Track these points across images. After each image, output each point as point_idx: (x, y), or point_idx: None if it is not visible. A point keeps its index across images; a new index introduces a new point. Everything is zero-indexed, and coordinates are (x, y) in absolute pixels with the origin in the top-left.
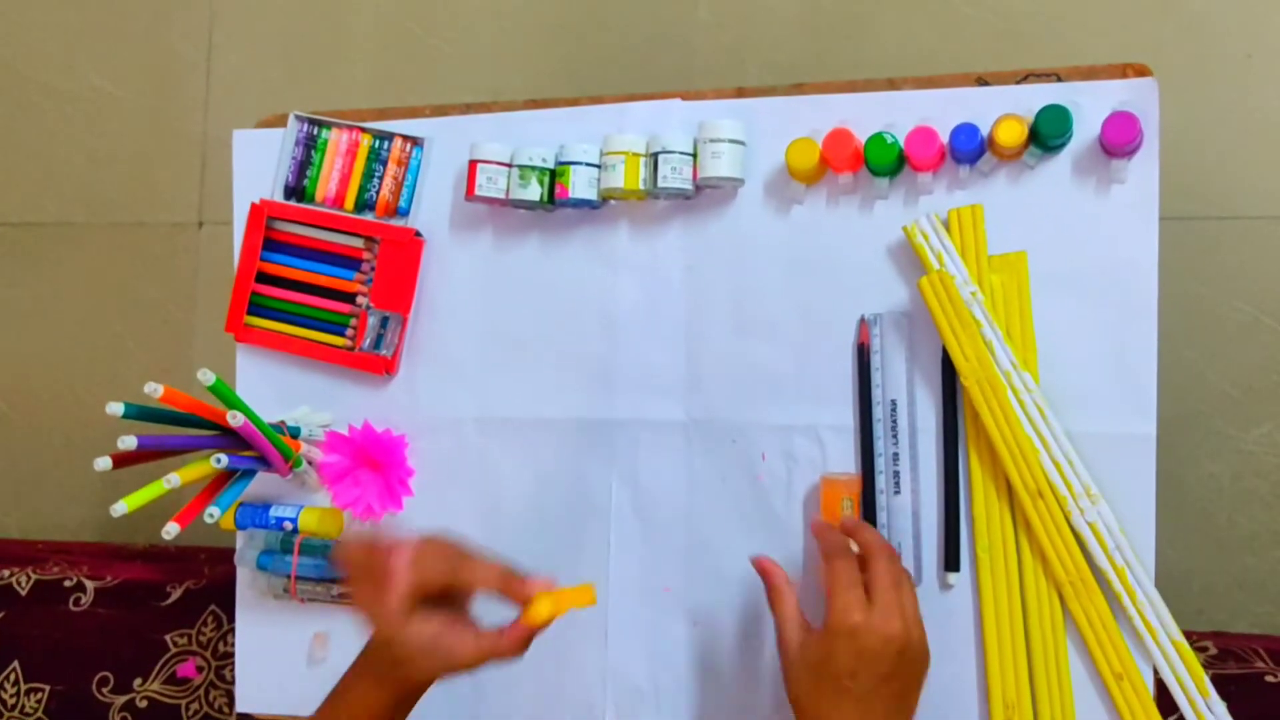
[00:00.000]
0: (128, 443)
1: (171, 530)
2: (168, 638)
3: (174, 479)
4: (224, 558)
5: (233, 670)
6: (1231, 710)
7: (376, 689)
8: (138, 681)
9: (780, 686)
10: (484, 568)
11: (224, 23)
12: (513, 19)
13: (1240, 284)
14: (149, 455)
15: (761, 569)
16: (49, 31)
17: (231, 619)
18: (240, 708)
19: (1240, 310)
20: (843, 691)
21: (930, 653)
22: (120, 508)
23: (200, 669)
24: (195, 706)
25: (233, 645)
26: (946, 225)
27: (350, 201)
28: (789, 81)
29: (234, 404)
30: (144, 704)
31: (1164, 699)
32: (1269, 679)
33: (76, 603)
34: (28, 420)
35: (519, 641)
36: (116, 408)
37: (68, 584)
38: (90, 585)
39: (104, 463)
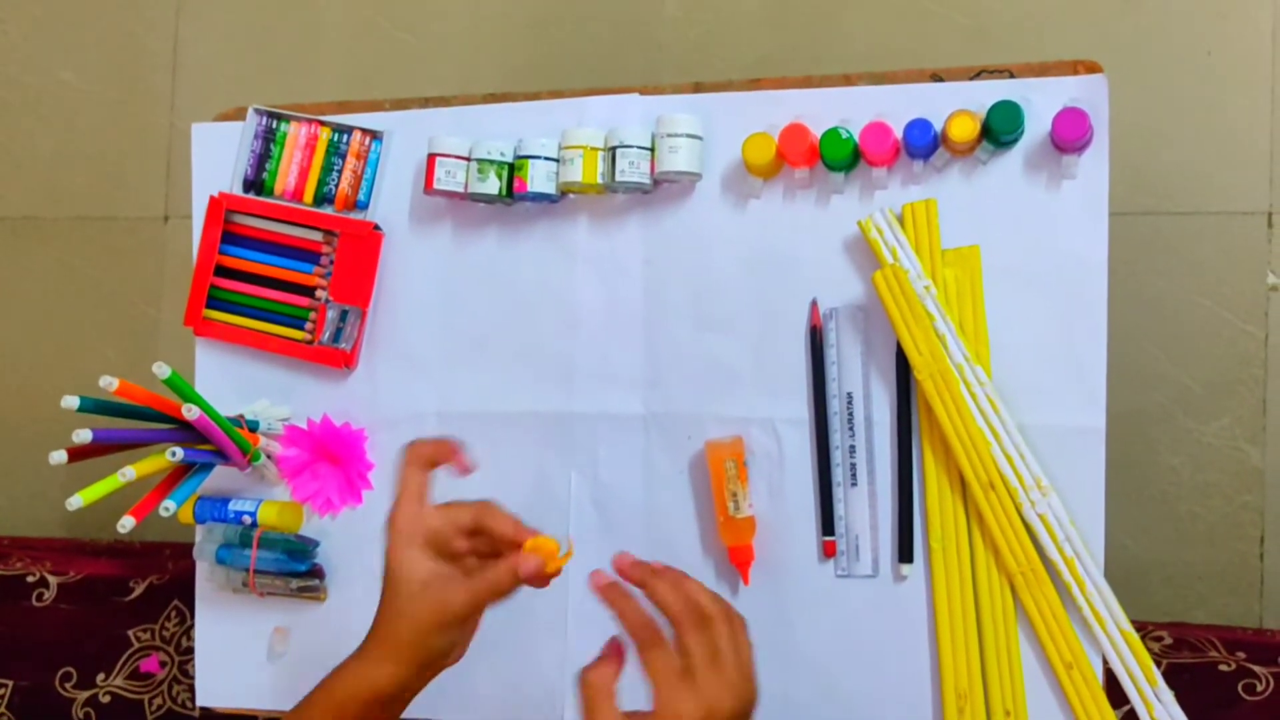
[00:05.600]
0: (82, 436)
1: (126, 524)
2: (130, 633)
3: (129, 472)
4: (188, 553)
5: (195, 665)
6: (1184, 698)
7: (381, 661)
8: (101, 677)
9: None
10: (504, 514)
11: (190, 16)
12: (482, 13)
13: (1200, 278)
14: (105, 449)
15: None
16: (14, 25)
17: (194, 614)
18: (200, 702)
19: (1199, 304)
20: None
21: (757, 691)
22: (75, 501)
23: (163, 664)
24: (158, 701)
25: (195, 640)
26: (901, 220)
27: (309, 195)
28: (757, 77)
29: (189, 397)
30: (107, 699)
31: (1114, 687)
32: (1222, 668)
33: (39, 598)
34: None
35: (508, 573)
36: (72, 401)
37: (30, 579)
38: (53, 580)
39: (59, 456)
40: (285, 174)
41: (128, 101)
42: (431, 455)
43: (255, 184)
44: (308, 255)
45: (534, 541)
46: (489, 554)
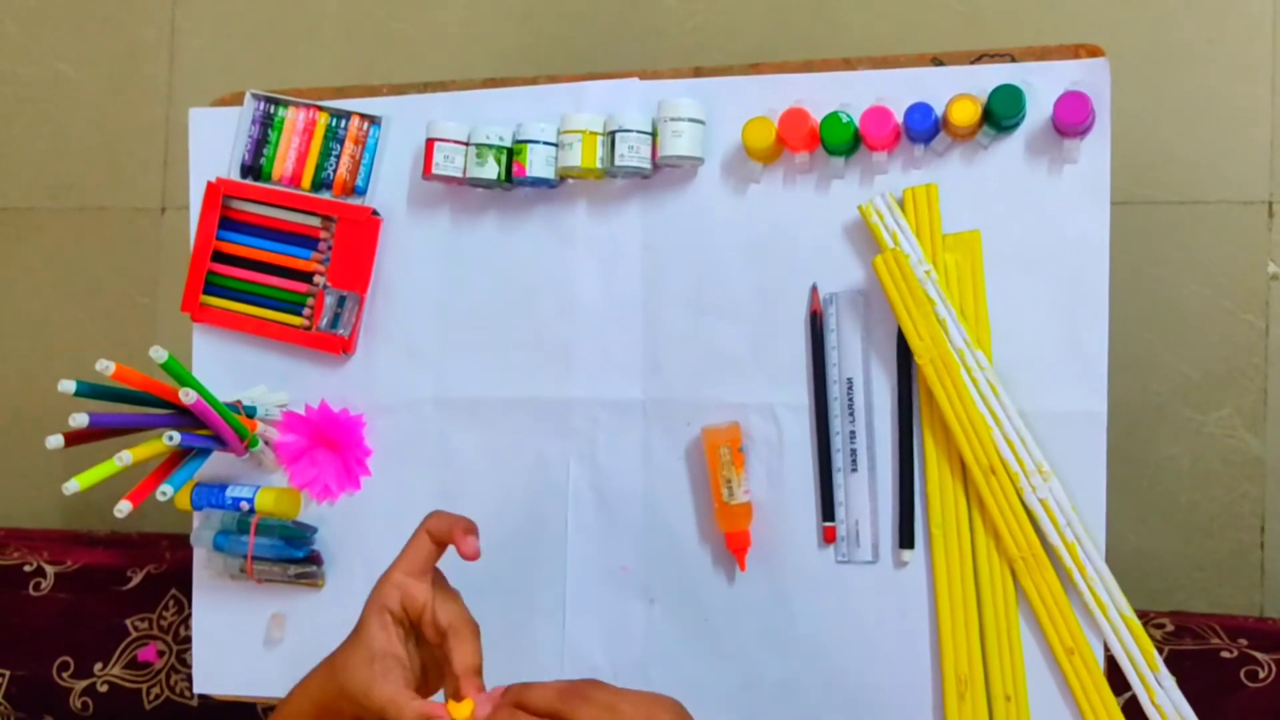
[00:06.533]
0: (79, 420)
1: (123, 508)
2: (128, 622)
3: (126, 456)
4: (185, 543)
5: (192, 652)
6: (1186, 685)
7: (324, 684)
8: (98, 666)
9: (741, 662)
10: (473, 648)
11: (186, 5)
12: (478, 2)
13: (1199, 268)
14: (101, 433)
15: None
16: (8, 15)
17: (192, 603)
18: (198, 689)
19: (1199, 294)
20: None
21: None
22: (72, 486)
23: (161, 653)
24: (156, 690)
25: (192, 627)
26: (901, 204)
27: (307, 180)
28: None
29: (186, 381)
30: (104, 688)
31: (1115, 673)
32: (1224, 654)
33: (36, 587)
34: None
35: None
36: (68, 385)
37: (27, 569)
38: (50, 570)
39: (55, 440)
40: (283, 159)
41: (124, 92)
42: (447, 531)
43: (253, 169)
44: (306, 241)
45: (456, 708)
46: (440, 661)
